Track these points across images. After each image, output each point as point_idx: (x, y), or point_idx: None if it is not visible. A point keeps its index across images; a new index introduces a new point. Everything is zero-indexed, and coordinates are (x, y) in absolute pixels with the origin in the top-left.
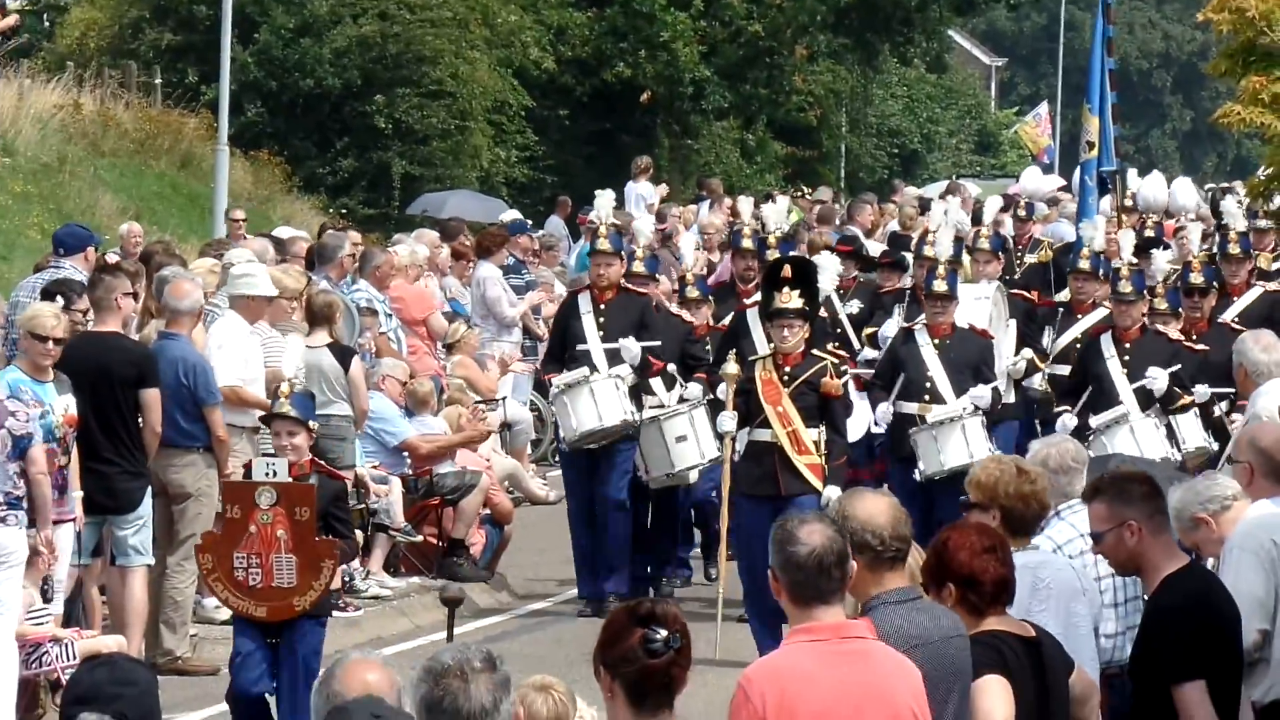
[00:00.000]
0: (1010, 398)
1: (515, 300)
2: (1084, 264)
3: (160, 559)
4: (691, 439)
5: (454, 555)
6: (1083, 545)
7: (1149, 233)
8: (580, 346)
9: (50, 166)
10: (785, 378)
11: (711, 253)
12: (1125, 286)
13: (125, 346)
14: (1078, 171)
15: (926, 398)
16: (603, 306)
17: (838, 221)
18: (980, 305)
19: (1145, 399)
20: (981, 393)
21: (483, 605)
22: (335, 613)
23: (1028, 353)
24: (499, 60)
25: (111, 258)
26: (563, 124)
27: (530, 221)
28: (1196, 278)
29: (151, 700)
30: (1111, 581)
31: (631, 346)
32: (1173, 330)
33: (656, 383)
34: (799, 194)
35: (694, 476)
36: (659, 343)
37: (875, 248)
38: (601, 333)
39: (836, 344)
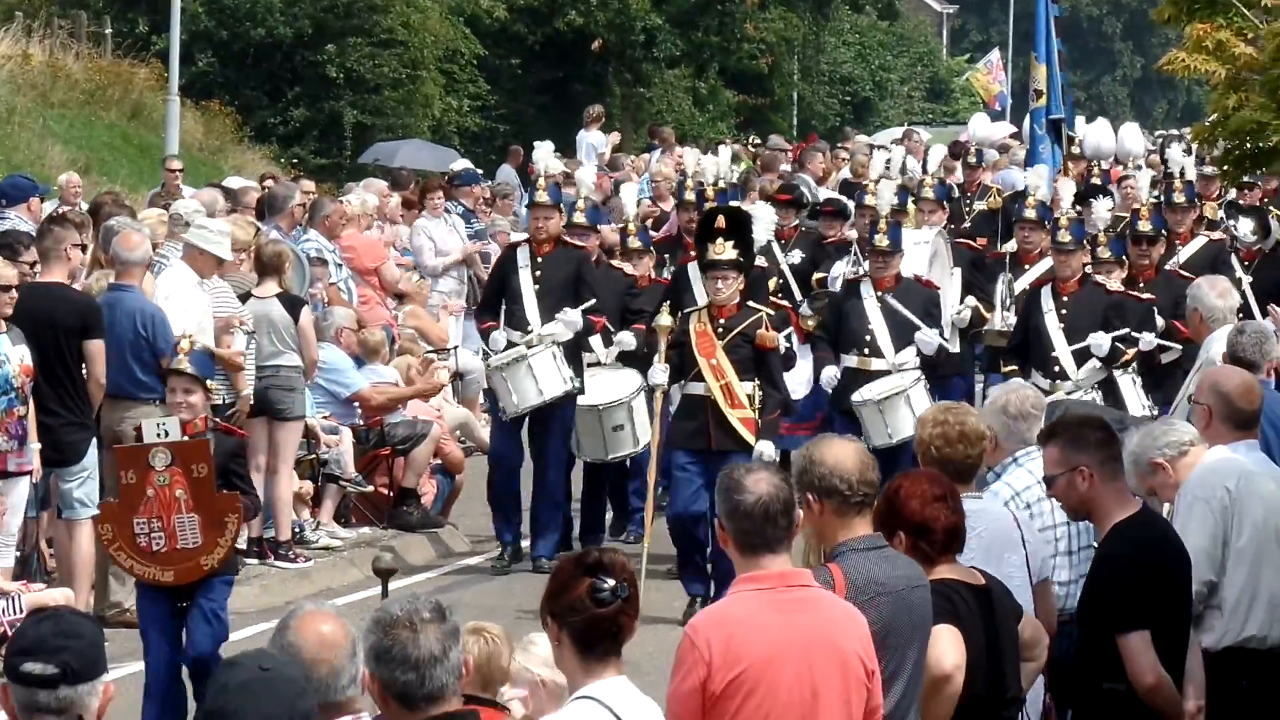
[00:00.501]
0: (955, 347)
1: (445, 249)
2: (1029, 213)
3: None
4: (628, 430)
5: (404, 505)
6: (1039, 492)
7: (1095, 180)
8: (516, 304)
9: None
10: (719, 330)
11: (663, 202)
12: (1064, 236)
13: (70, 297)
14: (1027, 119)
15: (866, 351)
16: (540, 260)
17: (786, 168)
18: (920, 250)
19: (1084, 355)
20: (927, 336)
21: (434, 554)
22: (284, 564)
23: (971, 301)
24: (450, 8)
25: (48, 207)
26: (515, 73)
27: (481, 171)
28: (1145, 225)
29: (96, 652)
30: (1066, 529)
31: (572, 318)
32: (1114, 280)
33: (595, 339)
34: (751, 142)
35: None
36: (595, 301)
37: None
38: (537, 286)
39: (779, 294)
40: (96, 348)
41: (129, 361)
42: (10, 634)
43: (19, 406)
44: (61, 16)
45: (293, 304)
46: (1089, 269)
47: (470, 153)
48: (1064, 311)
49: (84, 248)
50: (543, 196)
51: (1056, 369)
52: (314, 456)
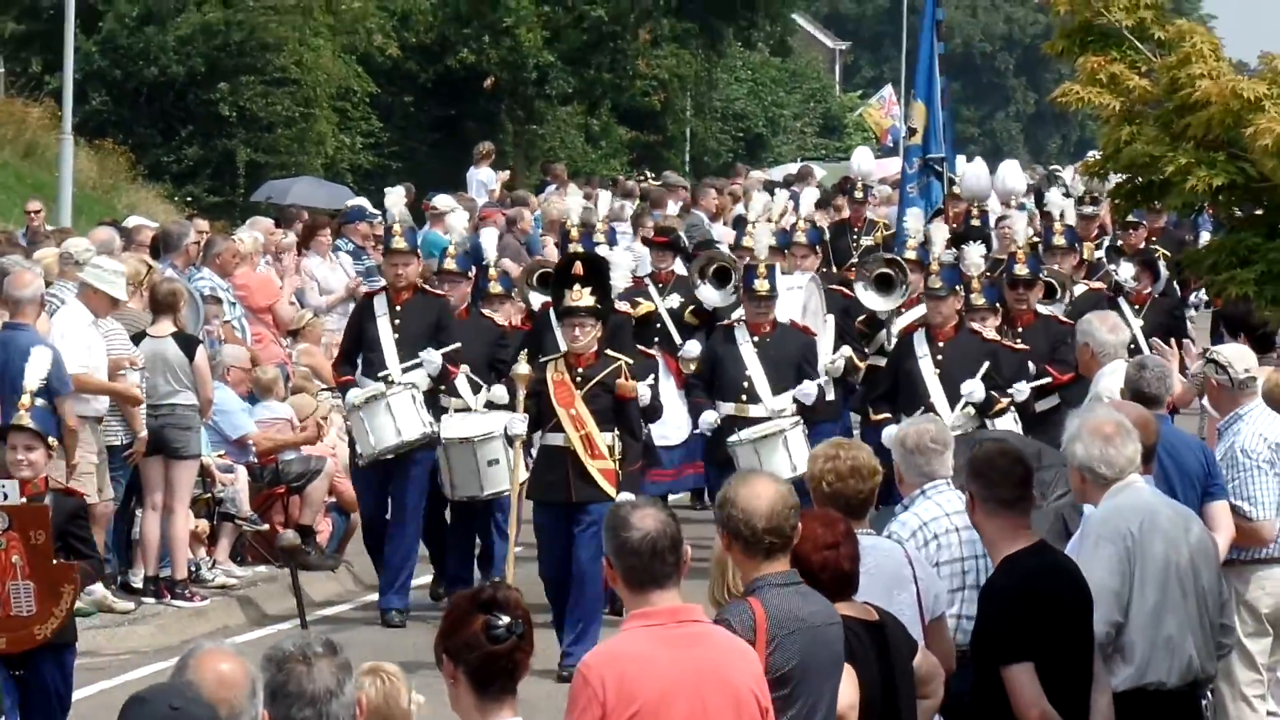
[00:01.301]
0: (830, 395)
1: (329, 288)
2: (909, 254)
3: None
4: (504, 463)
5: (305, 541)
6: (948, 524)
7: (975, 221)
8: (375, 354)
9: None
10: (578, 379)
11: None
12: (936, 282)
13: None
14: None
15: (744, 397)
16: (399, 308)
17: (679, 206)
18: (793, 295)
19: (956, 400)
20: (808, 389)
21: (330, 593)
22: (181, 602)
23: (846, 350)
24: (343, 47)
25: None
26: (407, 110)
27: (375, 211)
28: (1021, 269)
29: None
30: (975, 563)
31: (432, 358)
32: (989, 328)
33: (462, 384)
34: (644, 178)
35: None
36: (458, 345)
37: (721, 232)
38: (397, 335)
39: (657, 339)
40: None
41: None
42: None
43: None
44: None
45: (187, 343)
46: (963, 315)
47: (364, 190)
48: (940, 358)
49: None
50: (399, 243)
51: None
52: (209, 495)
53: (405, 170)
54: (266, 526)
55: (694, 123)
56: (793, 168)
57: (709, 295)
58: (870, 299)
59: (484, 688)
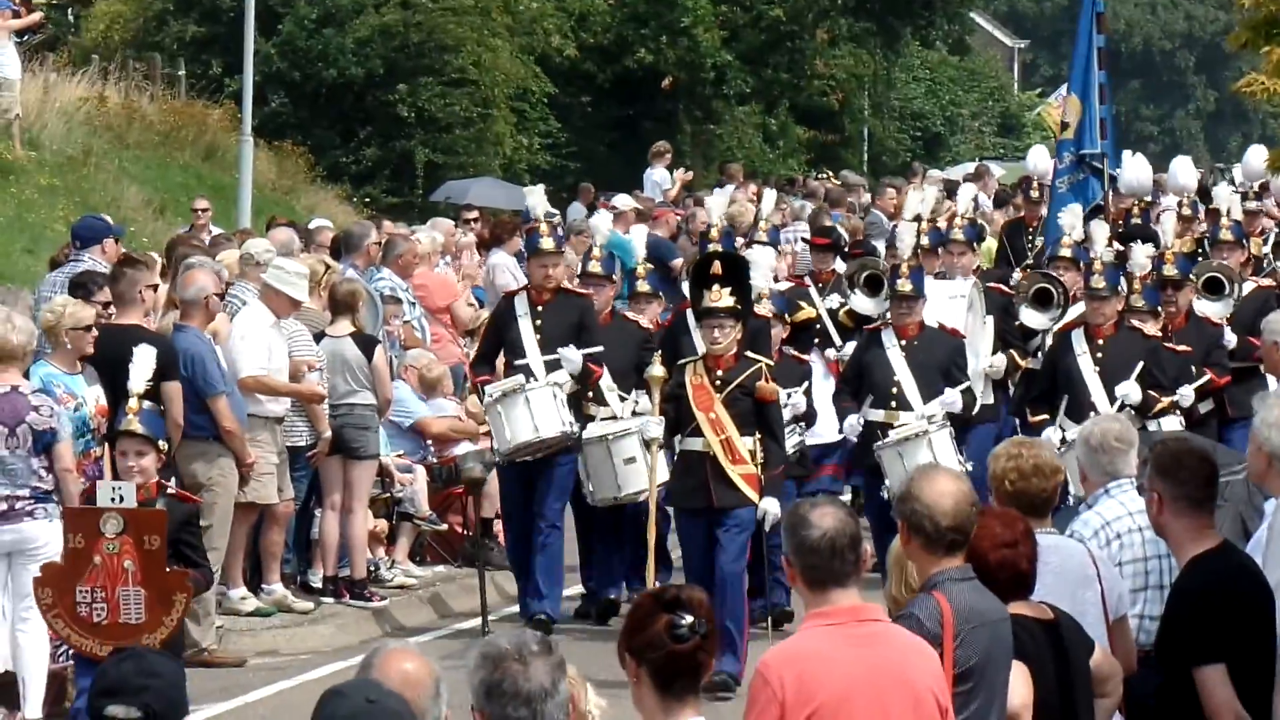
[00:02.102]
0: (989, 398)
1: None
2: (1064, 251)
3: None
4: (641, 463)
5: (485, 536)
6: (1131, 524)
7: (1136, 219)
8: (517, 357)
9: (76, 160)
10: (717, 382)
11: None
12: (1098, 282)
13: (144, 339)
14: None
15: (893, 404)
16: (540, 309)
17: (859, 205)
18: (955, 304)
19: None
20: (952, 398)
21: (512, 592)
22: (360, 602)
23: (1001, 359)
24: (521, 47)
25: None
26: (585, 111)
27: (554, 211)
28: (1170, 269)
29: (178, 692)
30: (1159, 563)
31: (572, 355)
32: (1150, 328)
33: (610, 394)
34: (823, 177)
35: (642, 499)
36: (600, 348)
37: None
38: (539, 336)
39: (816, 340)
40: (173, 389)
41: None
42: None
43: (95, 448)
44: (137, 59)
45: (366, 343)
46: (1124, 317)
47: None
48: (1100, 355)
49: (155, 288)
50: (547, 243)
51: (1092, 415)
52: (388, 495)
53: (583, 171)
54: (445, 526)
55: (872, 122)
56: (970, 167)
57: (862, 304)
58: (1029, 316)
59: (666, 687)
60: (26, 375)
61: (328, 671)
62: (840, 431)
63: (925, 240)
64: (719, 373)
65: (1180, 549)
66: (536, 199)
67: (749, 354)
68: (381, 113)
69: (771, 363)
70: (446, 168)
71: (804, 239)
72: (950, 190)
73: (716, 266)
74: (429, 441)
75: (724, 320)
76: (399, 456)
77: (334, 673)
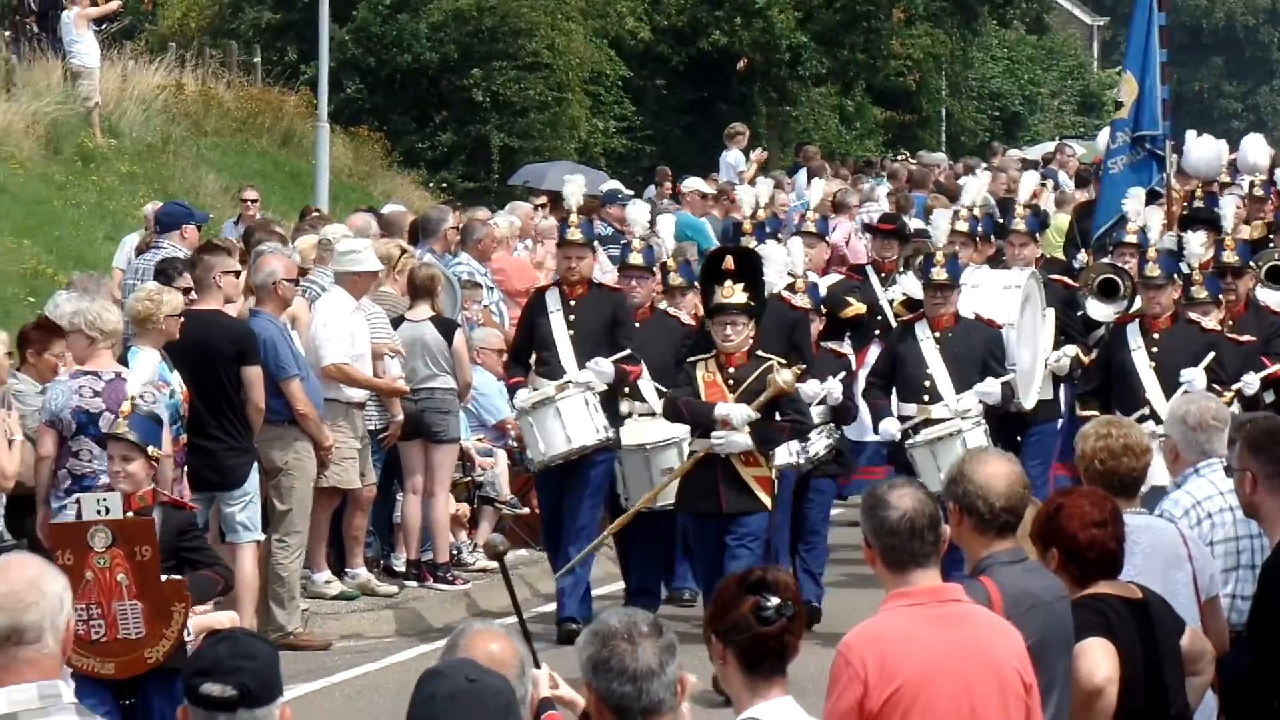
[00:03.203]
0: (1047, 394)
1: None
2: (1130, 238)
3: (266, 536)
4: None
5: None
6: (1222, 503)
7: (1199, 203)
8: (549, 353)
9: (154, 147)
10: (730, 381)
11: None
12: (1152, 270)
13: (225, 324)
14: (1104, 132)
15: (926, 398)
16: (573, 304)
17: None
18: (1009, 295)
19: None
20: (989, 388)
21: (599, 573)
22: (442, 586)
23: (1071, 349)
24: (595, 31)
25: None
26: (660, 93)
27: (631, 192)
28: (1230, 256)
29: (272, 674)
30: (1251, 542)
31: (602, 367)
32: (1210, 319)
33: (646, 387)
34: (901, 158)
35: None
36: (628, 350)
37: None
38: (572, 332)
39: (879, 331)
40: (253, 373)
41: None
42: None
43: (183, 434)
44: (213, 46)
45: (446, 327)
46: (1183, 307)
47: (617, 174)
48: (1155, 349)
49: (237, 274)
50: (574, 234)
51: (1146, 410)
52: (469, 479)
53: (658, 154)
54: (527, 510)
55: (949, 102)
56: (1050, 146)
57: (1098, 310)
58: (1095, 308)
59: (753, 668)
60: (122, 361)
61: (411, 654)
62: (876, 432)
63: (981, 228)
64: (731, 370)
65: (1272, 527)
66: (573, 188)
67: (759, 353)
68: (456, 97)
69: (783, 360)
70: (522, 152)
71: (867, 225)
72: (1028, 169)
73: (729, 261)
74: (510, 427)
75: (736, 317)
76: (480, 440)
77: (417, 656)
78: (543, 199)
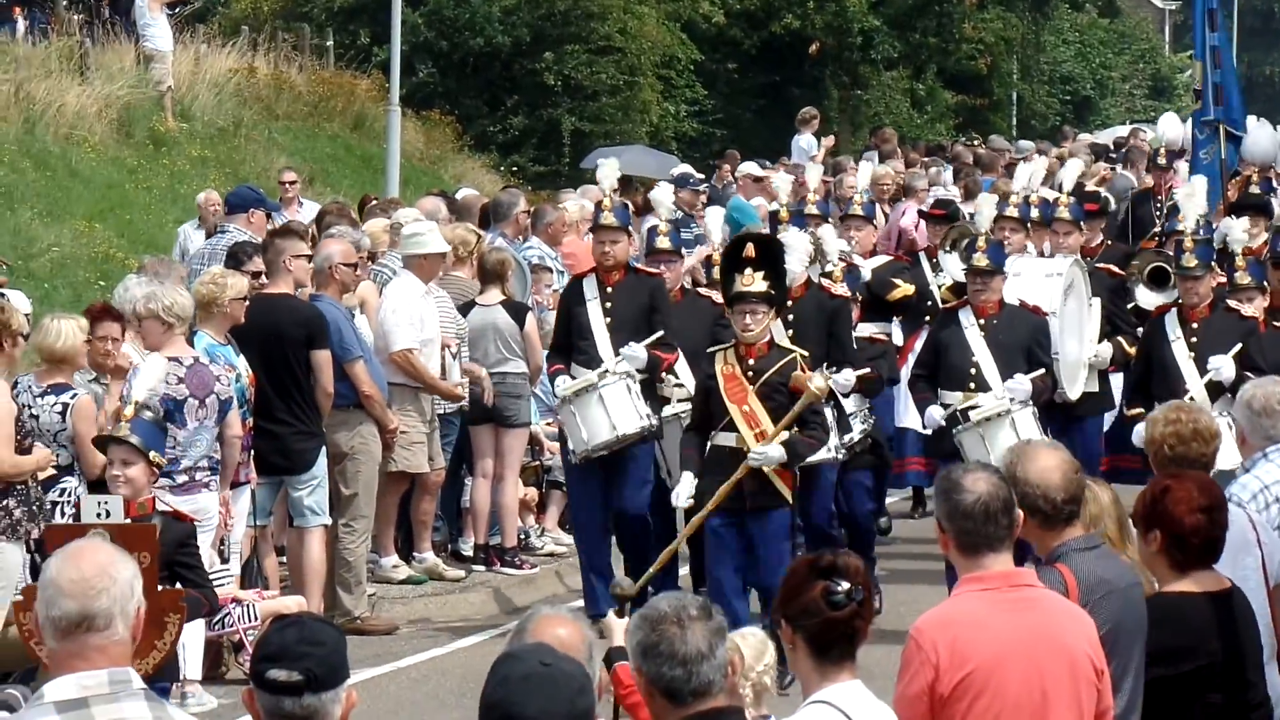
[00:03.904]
0: (1093, 386)
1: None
2: (1182, 226)
3: (333, 520)
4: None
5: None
6: None
7: (1255, 189)
8: (586, 340)
9: (226, 131)
10: (750, 373)
11: (884, 206)
12: (1189, 260)
13: (294, 308)
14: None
15: (971, 385)
16: (609, 290)
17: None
18: (1050, 283)
19: (1217, 389)
20: (1019, 384)
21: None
22: (510, 570)
23: (1107, 347)
24: (667, 14)
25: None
26: (731, 77)
27: (701, 176)
28: None
29: (339, 659)
30: None
31: (635, 352)
32: (1254, 306)
33: (684, 371)
34: (973, 142)
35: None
36: (661, 333)
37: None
38: (609, 319)
39: (929, 319)
40: (322, 357)
41: None
42: (245, 641)
43: (249, 418)
44: (285, 30)
45: (517, 311)
46: (1226, 295)
47: (688, 158)
48: (1194, 339)
49: (308, 258)
50: (609, 218)
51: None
52: (538, 463)
53: (729, 138)
54: None
55: (1021, 86)
56: (1121, 130)
57: (1148, 299)
58: (1144, 296)
59: (823, 653)
60: (190, 344)
61: (478, 639)
62: (924, 426)
63: (1035, 213)
64: (751, 362)
65: None
66: (607, 171)
67: (781, 344)
68: (528, 81)
69: (805, 354)
70: (593, 136)
71: (920, 211)
72: (1098, 154)
73: (750, 249)
74: None
75: (756, 305)
76: (549, 425)
77: (484, 640)
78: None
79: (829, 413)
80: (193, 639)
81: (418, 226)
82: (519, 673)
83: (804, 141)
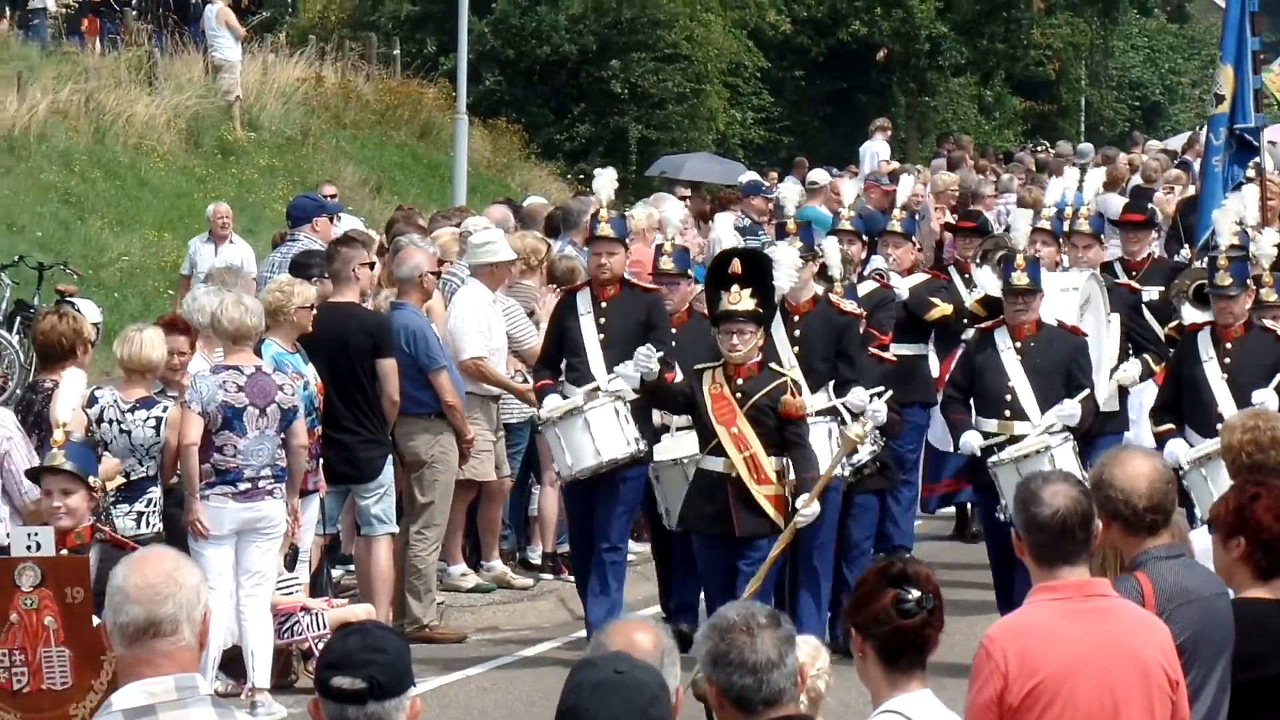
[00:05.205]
0: (1113, 405)
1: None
2: (1233, 239)
3: (403, 528)
4: None
5: None
6: None
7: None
8: (577, 357)
9: (294, 140)
10: (738, 394)
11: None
12: (1224, 278)
13: (361, 316)
14: (1204, 129)
15: (1007, 413)
16: (604, 305)
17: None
18: (1067, 298)
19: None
20: (1070, 410)
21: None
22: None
23: (1135, 365)
24: (734, 22)
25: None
26: (798, 84)
27: (767, 183)
28: None
29: (402, 666)
30: None
31: (630, 372)
32: None
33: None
34: (1040, 148)
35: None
36: (661, 353)
37: (1117, 203)
38: (602, 335)
39: (964, 338)
40: (388, 366)
41: (401, 378)
42: (314, 649)
43: (317, 426)
44: (352, 39)
45: None
46: (1254, 313)
47: (755, 165)
48: (1227, 360)
49: (372, 266)
50: (605, 229)
51: (1219, 426)
52: None
53: (796, 145)
54: None
55: (1089, 92)
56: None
57: (989, 281)
58: (1191, 315)
59: (892, 661)
60: (257, 354)
61: (547, 647)
62: (956, 449)
63: (1089, 226)
64: (740, 382)
65: None
66: (604, 181)
67: (773, 366)
68: (595, 89)
69: (798, 378)
70: (660, 143)
71: (947, 224)
72: (1171, 159)
73: (736, 265)
74: None
75: (744, 325)
76: None
77: (553, 648)
78: (686, 190)
79: (831, 436)
80: (261, 647)
81: (488, 235)
82: (593, 680)
83: (876, 146)
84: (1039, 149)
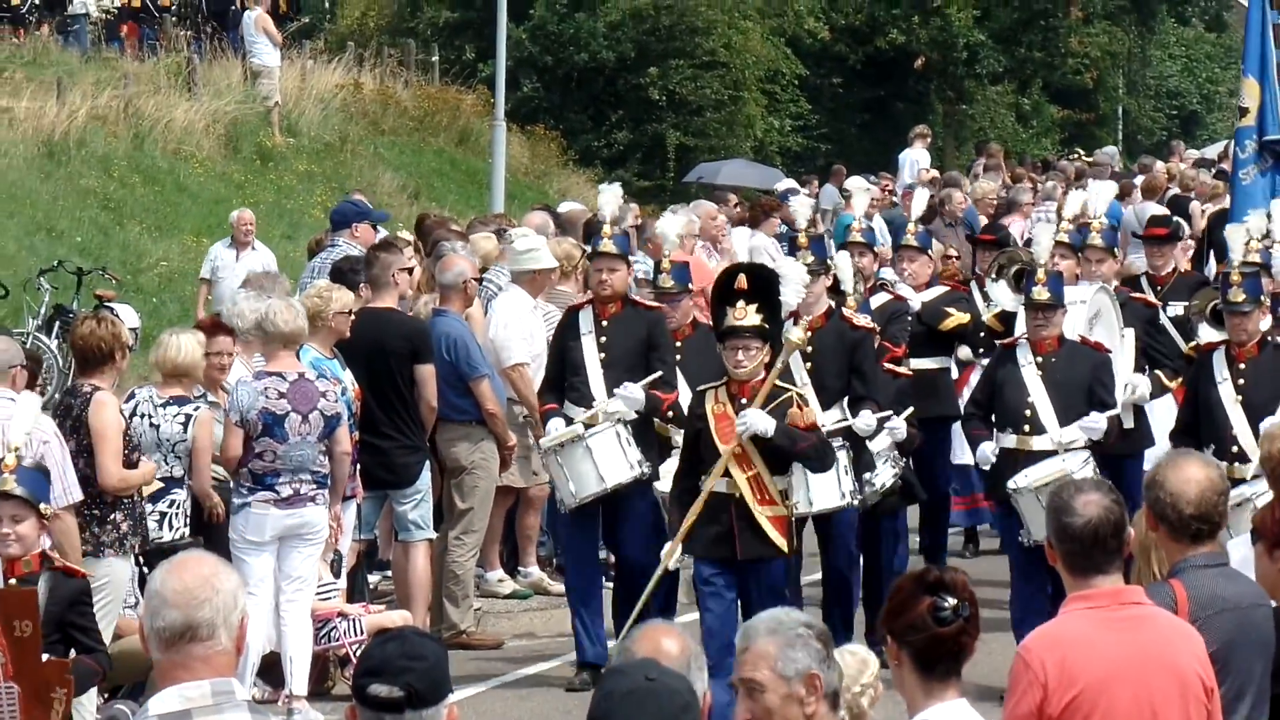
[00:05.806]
0: (1129, 422)
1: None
2: (1253, 255)
3: (441, 534)
4: None
5: None
6: None
7: None
8: (578, 377)
9: (332, 146)
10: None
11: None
12: (1236, 294)
13: (400, 322)
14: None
15: (1026, 428)
16: (605, 324)
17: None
18: (1075, 311)
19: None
20: (1094, 423)
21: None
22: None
23: (1145, 381)
24: (772, 29)
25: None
26: (836, 92)
27: (807, 191)
28: None
29: (441, 674)
30: None
31: (631, 393)
32: None
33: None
34: (1077, 156)
35: None
36: (660, 373)
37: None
38: (603, 354)
39: (981, 350)
40: (426, 372)
41: (441, 385)
42: (352, 655)
43: (355, 432)
44: (391, 46)
45: None
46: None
47: (792, 172)
48: (1240, 382)
49: (411, 271)
50: (608, 245)
51: (1235, 449)
52: None
53: (834, 152)
54: None
55: (1127, 101)
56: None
57: (1004, 296)
58: (1208, 333)
59: (928, 669)
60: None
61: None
62: (977, 460)
63: (1102, 240)
64: (744, 401)
65: None
66: (608, 197)
67: (779, 382)
68: (633, 96)
69: (802, 393)
70: (698, 150)
71: (969, 236)
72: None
73: (742, 280)
74: None
75: (750, 341)
76: None
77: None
78: (733, 197)
79: (844, 456)
80: (300, 653)
81: (531, 242)
82: (623, 688)
83: (916, 154)
84: (1073, 156)
